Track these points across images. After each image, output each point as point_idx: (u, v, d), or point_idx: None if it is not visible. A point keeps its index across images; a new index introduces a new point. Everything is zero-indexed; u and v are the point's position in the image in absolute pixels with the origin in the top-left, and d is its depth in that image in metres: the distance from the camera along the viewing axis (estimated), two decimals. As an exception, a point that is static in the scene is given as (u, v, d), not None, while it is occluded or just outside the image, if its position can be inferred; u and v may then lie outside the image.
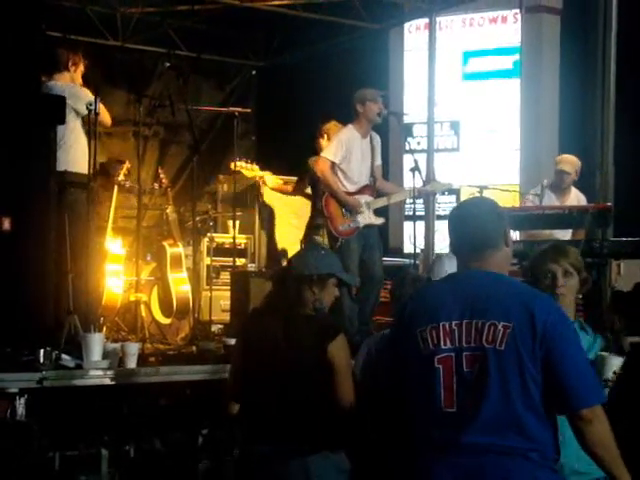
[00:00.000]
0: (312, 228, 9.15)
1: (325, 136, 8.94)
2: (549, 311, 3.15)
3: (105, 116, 7.47)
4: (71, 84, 7.54)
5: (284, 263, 8.59)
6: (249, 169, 9.15)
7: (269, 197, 10.00)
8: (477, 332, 3.10)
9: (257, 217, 9.98)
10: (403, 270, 9.52)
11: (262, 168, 10.32)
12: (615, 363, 3.74)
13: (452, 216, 3.43)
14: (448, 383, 3.09)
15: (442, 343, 3.12)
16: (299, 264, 4.52)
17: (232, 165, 9.05)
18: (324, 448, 4.32)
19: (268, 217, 10.15)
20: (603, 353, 3.81)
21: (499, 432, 3.02)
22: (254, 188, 9.92)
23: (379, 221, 7.90)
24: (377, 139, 7.97)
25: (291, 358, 4.34)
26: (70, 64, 7.64)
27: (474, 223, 3.31)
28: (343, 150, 7.71)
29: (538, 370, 3.06)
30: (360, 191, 7.77)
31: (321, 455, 4.32)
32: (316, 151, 8.75)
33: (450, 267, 4.49)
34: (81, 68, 7.72)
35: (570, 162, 8.83)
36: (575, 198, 8.81)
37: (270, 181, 9.36)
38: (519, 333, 3.06)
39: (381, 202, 7.96)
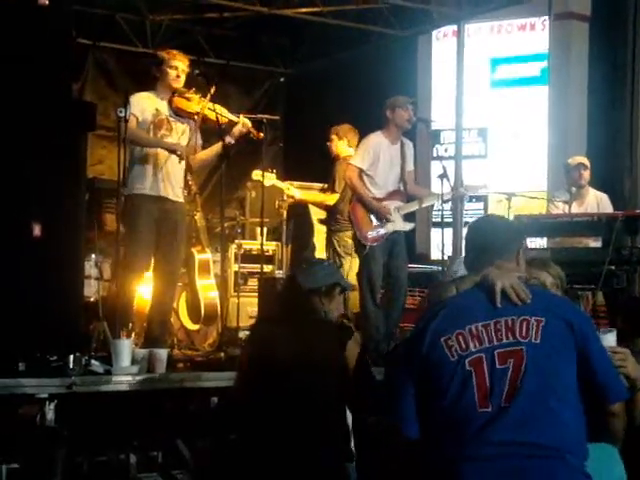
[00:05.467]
0: (333, 232, 9.19)
1: (332, 138, 9.10)
2: (575, 311, 3.23)
3: None
4: None
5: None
6: (267, 178, 9.18)
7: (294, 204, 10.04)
8: (508, 329, 3.10)
9: (284, 224, 9.98)
10: (437, 278, 9.51)
11: (289, 175, 10.34)
12: (609, 337, 3.42)
13: (470, 227, 3.57)
14: (481, 383, 3.06)
15: (471, 346, 3.11)
16: (307, 278, 4.73)
17: (253, 174, 9.12)
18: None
19: (295, 223, 10.16)
20: None
21: (536, 428, 2.99)
22: (280, 195, 9.94)
23: (409, 227, 7.93)
24: (409, 145, 7.98)
25: (311, 361, 4.44)
26: None
27: (490, 231, 3.43)
28: (370, 156, 7.73)
29: (574, 363, 3.08)
30: (389, 196, 7.79)
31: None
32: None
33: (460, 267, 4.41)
34: None
35: (583, 158, 8.86)
36: (594, 197, 8.78)
37: (297, 194, 9.44)
38: (554, 328, 3.09)
39: (411, 207, 7.99)
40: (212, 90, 7.29)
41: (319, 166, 10.24)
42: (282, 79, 13.39)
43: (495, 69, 12.10)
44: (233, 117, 7.41)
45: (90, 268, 8.00)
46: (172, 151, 7.09)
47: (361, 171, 7.72)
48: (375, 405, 4.44)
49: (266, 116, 8.79)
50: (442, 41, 12.32)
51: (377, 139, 7.83)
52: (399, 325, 7.82)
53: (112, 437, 6.16)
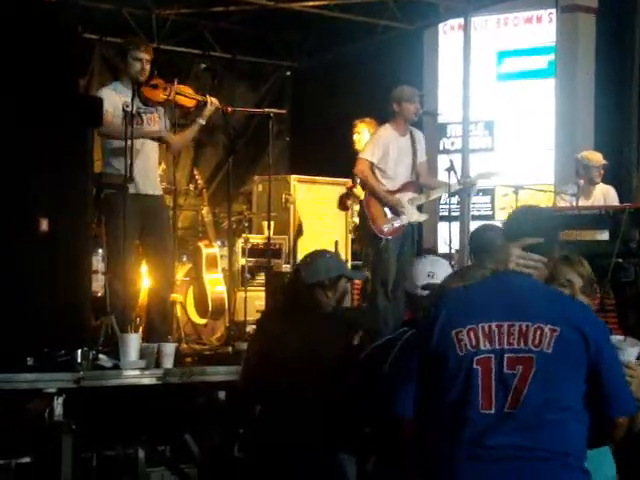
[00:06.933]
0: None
1: (355, 132, 9.03)
2: (593, 320, 3.18)
3: None
4: None
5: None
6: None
7: (302, 198, 10.03)
8: (521, 334, 3.07)
9: (292, 218, 9.98)
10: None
11: (295, 169, 10.32)
12: (631, 352, 3.41)
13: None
14: (486, 384, 3.05)
15: (481, 344, 3.08)
16: (309, 271, 4.69)
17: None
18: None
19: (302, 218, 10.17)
20: (617, 337, 3.47)
21: (538, 434, 3.00)
22: (287, 189, 9.94)
23: (423, 217, 8.00)
24: (419, 136, 8.03)
25: (315, 355, 4.43)
26: None
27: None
28: (380, 150, 7.77)
29: (583, 376, 3.06)
30: (403, 188, 7.82)
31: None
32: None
33: (432, 268, 4.26)
34: None
35: (600, 156, 8.85)
36: (601, 190, 8.78)
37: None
38: (568, 338, 3.05)
39: (425, 197, 8.03)
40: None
41: (326, 159, 10.24)
42: (288, 73, 13.36)
43: (502, 62, 12.07)
44: (200, 97, 7.46)
45: (97, 263, 7.99)
46: (157, 138, 7.18)
47: (372, 164, 7.75)
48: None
49: (273, 110, 8.80)
50: (448, 34, 12.29)
51: (386, 133, 7.86)
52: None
53: (120, 431, 6.18)
